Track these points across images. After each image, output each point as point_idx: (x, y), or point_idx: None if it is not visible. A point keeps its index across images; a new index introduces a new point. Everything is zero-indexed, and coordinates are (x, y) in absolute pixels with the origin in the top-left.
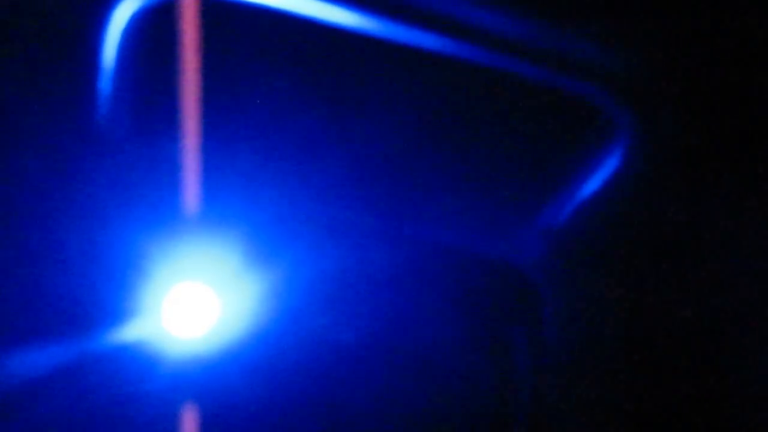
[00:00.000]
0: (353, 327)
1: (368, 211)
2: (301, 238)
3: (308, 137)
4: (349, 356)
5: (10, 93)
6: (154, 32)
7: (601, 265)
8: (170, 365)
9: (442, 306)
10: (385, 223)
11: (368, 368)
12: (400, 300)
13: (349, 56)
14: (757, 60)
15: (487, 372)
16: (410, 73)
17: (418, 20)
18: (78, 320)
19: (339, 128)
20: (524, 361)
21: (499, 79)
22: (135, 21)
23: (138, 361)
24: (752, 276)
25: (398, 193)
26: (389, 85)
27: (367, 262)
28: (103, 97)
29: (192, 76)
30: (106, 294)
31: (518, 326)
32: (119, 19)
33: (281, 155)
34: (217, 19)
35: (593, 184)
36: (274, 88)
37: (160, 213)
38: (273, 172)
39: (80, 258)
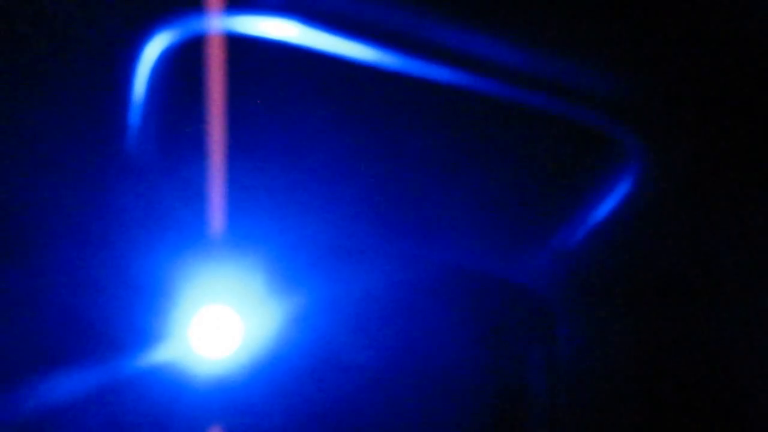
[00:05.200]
0: (373, 348)
1: (387, 236)
2: (322, 261)
3: (329, 165)
4: (368, 376)
5: (44, 122)
6: (182, 65)
7: (613, 287)
8: (197, 385)
9: (459, 327)
10: (405, 247)
11: (387, 388)
12: (418, 322)
13: (370, 89)
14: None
15: (502, 391)
16: (428, 104)
17: (434, 55)
18: (107, 342)
19: (360, 156)
20: (539, 381)
21: (513, 108)
22: (165, 55)
23: (166, 382)
24: (764, 298)
25: (417, 219)
26: (408, 115)
27: (387, 285)
28: (133, 127)
29: (218, 106)
30: (135, 317)
31: (533, 346)
32: (150, 54)
33: (303, 182)
34: (241, 53)
35: (605, 208)
36: (296, 118)
37: (187, 238)
38: (295, 199)
39: (109, 282)
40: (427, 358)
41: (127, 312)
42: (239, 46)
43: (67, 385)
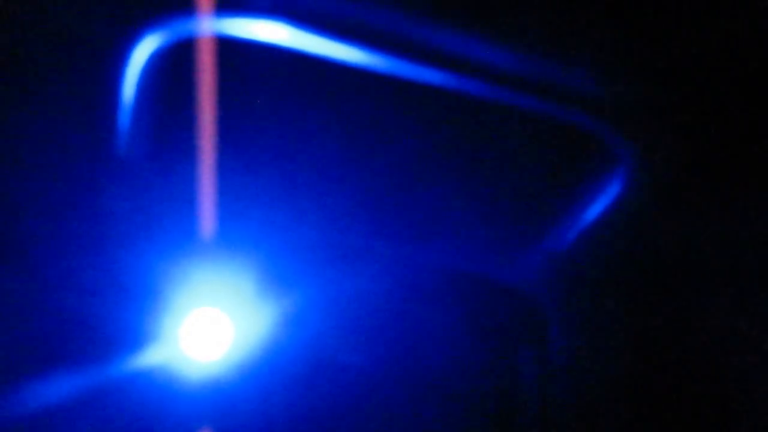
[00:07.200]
0: (363, 350)
1: (379, 238)
2: (313, 263)
3: (321, 167)
4: (359, 378)
5: (34, 125)
6: (173, 68)
7: (604, 287)
8: (188, 388)
9: (451, 328)
10: (396, 249)
11: (379, 389)
12: (410, 323)
13: (361, 91)
14: (753, 88)
15: (494, 392)
16: (419, 107)
17: (425, 57)
18: (98, 344)
19: (351, 158)
20: (531, 381)
21: (504, 111)
22: (156, 58)
23: (157, 384)
24: (752, 296)
25: (408, 221)
26: (398, 118)
27: (378, 286)
28: (124, 129)
29: (209, 107)
30: (126, 319)
31: (525, 347)
32: (141, 56)
33: (294, 184)
34: (231, 56)
35: (595, 209)
36: (287, 120)
37: (178, 240)
38: (285, 201)
39: (100, 284)
40: (419, 359)
41: (118, 314)
42: (229, 48)
43: (58, 387)
